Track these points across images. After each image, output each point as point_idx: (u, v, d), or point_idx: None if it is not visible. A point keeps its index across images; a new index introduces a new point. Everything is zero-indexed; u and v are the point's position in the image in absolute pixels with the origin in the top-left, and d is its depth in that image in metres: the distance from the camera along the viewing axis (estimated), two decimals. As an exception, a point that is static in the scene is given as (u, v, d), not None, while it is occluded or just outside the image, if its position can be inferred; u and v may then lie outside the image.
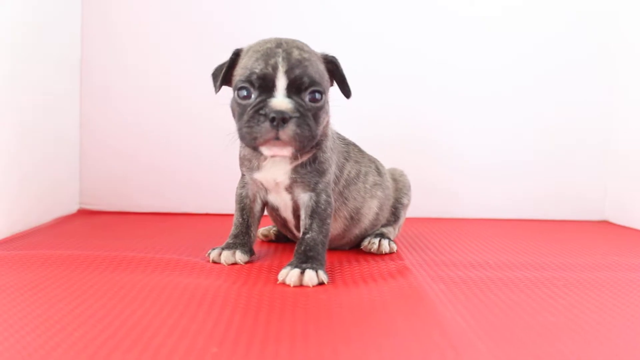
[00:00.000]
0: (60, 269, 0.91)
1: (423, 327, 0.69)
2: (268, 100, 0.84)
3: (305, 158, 0.93)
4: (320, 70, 0.89)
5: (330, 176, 0.97)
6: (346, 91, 0.95)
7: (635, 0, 1.54)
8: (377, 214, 1.11)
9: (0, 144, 1.15)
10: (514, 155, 1.61)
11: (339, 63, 0.95)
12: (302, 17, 1.57)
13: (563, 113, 1.61)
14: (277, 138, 0.84)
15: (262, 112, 0.84)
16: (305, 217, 0.95)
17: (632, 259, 1.11)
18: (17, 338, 0.62)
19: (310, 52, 0.90)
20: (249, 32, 1.54)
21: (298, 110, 0.84)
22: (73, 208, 1.53)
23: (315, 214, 0.94)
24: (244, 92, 0.87)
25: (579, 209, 1.63)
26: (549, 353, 0.62)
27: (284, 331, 0.66)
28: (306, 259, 0.90)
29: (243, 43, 1.54)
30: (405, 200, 1.18)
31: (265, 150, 0.87)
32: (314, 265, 0.88)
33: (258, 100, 0.85)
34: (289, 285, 0.85)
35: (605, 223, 1.60)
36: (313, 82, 0.86)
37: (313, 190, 0.95)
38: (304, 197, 0.96)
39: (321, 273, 0.87)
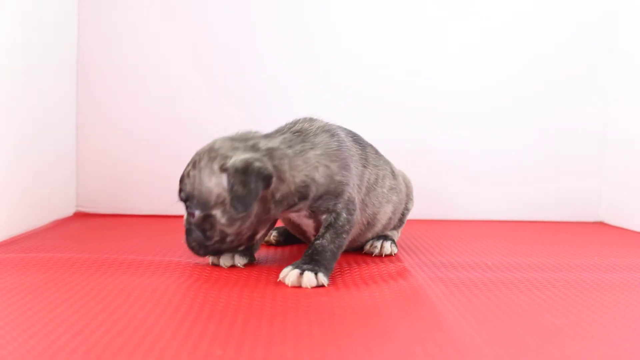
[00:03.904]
0: (59, 272, 0.90)
1: (426, 330, 0.69)
2: None
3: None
4: (203, 187, 0.88)
5: (351, 192, 0.95)
6: (233, 206, 0.86)
7: (631, 11, 1.56)
8: (390, 218, 1.10)
9: (-2, 147, 1.15)
10: (512, 160, 1.62)
11: (230, 175, 0.86)
12: (301, 25, 1.58)
13: (559, 120, 1.63)
14: None
15: None
16: (322, 227, 0.95)
17: (629, 260, 1.11)
18: (20, 342, 0.62)
19: (204, 167, 0.89)
20: (246, 41, 1.57)
21: (189, 222, 0.92)
22: (70, 211, 1.53)
23: (331, 226, 0.93)
24: None
25: (575, 211, 1.64)
26: (552, 355, 0.62)
27: (288, 333, 0.66)
28: (309, 261, 0.90)
29: (240, 51, 1.57)
30: (410, 205, 1.19)
31: None
32: (315, 268, 0.88)
33: None
34: (290, 287, 0.85)
35: (600, 224, 1.61)
36: (187, 199, 0.91)
37: (333, 211, 0.94)
38: (325, 217, 0.95)
39: (321, 276, 0.87)
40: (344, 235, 0.94)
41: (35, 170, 1.30)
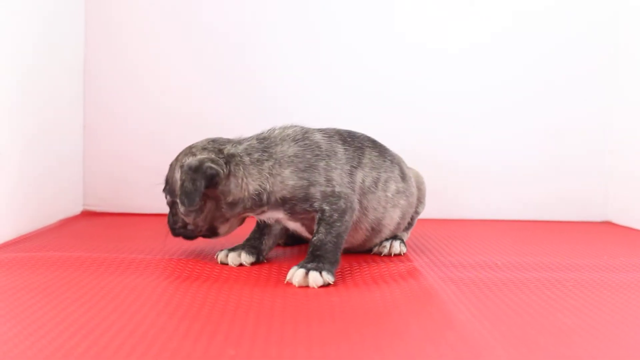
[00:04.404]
0: (68, 271, 0.90)
1: (437, 329, 0.69)
2: None
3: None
4: (173, 177, 0.98)
5: (324, 189, 0.94)
6: (180, 199, 0.94)
7: (634, 12, 1.56)
8: (399, 223, 1.09)
9: (8, 147, 1.15)
10: (518, 159, 1.62)
11: (183, 172, 0.94)
12: (306, 24, 1.59)
13: (566, 119, 1.62)
14: None
15: None
16: (315, 226, 0.95)
17: (637, 260, 1.11)
18: (32, 341, 0.62)
19: (179, 160, 0.99)
20: (252, 42, 1.57)
21: (168, 205, 1.02)
22: (77, 210, 1.53)
23: (321, 220, 0.94)
24: None
25: (583, 210, 1.64)
26: (565, 355, 0.62)
27: (299, 332, 0.66)
28: (313, 259, 0.90)
29: (246, 52, 1.57)
30: (421, 209, 1.18)
31: None
32: (320, 265, 0.88)
33: None
34: (299, 287, 0.86)
35: (608, 224, 1.61)
36: (164, 183, 1.01)
37: (314, 210, 0.95)
38: (312, 216, 0.96)
39: (325, 274, 0.87)
40: (338, 224, 0.94)
41: (43, 169, 1.30)
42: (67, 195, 1.46)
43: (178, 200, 0.95)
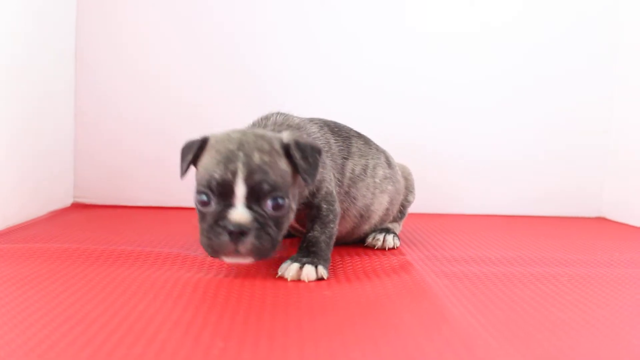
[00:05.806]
0: (57, 263, 0.89)
1: (431, 322, 0.68)
2: (227, 211, 0.78)
3: None
4: (282, 171, 0.81)
5: (328, 186, 0.94)
6: (304, 178, 0.83)
7: (635, 4, 1.55)
8: (388, 209, 1.09)
9: (-5, 135, 1.14)
10: (513, 154, 1.62)
11: (293, 148, 0.82)
12: (303, 18, 1.57)
13: (561, 114, 1.62)
14: (237, 251, 0.78)
15: (221, 223, 0.77)
16: (308, 221, 0.94)
17: (631, 255, 1.11)
18: (16, 333, 0.60)
19: (272, 151, 0.81)
20: (248, 29, 1.55)
21: (257, 221, 0.77)
22: (67, 201, 1.52)
23: (317, 218, 0.93)
24: (204, 198, 0.79)
25: (577, 206, 1.64)
26: (560, 349, 0.61)
27: (290, 326, 0.65)
28: (307, 254, 0.89)
29: (242, 39, 1.55)
30: (411, 198, 1.18)
31: (227, 259, 0.79)
32: (315, 261, 0.87)
33: (217, 209, 0.79)
34: (291, 280, 0.84)
35: (601, 219, 1.61)
36: (274, 189, 0.78)
37: (312, 206, 0.94)
38: (307, 212, 0.94)
39: (321, 268, 0.86)
40: (331, 225, 0.93)
41: (33, 160, 1.29)
42: (57, 187, 1.45)
43: (291, 196, 0.81)
